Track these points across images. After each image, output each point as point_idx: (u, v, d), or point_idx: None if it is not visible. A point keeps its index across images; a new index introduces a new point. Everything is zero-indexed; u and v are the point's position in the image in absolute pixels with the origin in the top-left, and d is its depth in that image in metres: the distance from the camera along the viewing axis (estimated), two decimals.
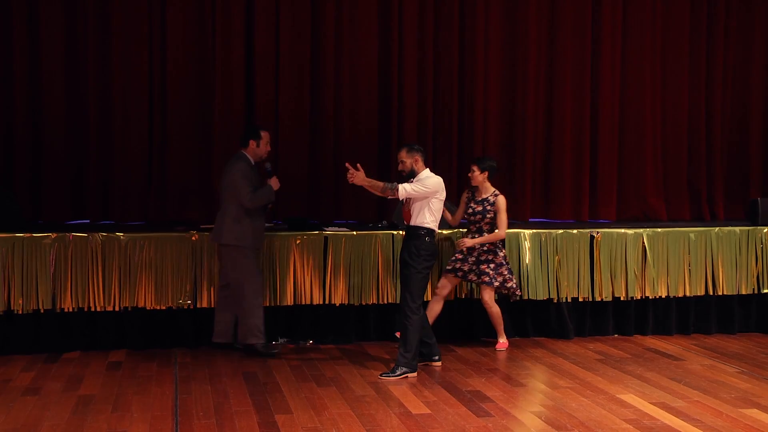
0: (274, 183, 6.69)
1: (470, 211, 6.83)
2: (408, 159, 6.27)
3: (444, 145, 8.41)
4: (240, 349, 6.69)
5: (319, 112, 8.12)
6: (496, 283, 6.81)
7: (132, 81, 7.77)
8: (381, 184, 6.19)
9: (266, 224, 6.90)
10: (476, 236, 6.83)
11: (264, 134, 6.74)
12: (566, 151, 8.68)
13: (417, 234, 6.15)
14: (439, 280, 6.95)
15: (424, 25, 8.29)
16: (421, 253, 6.11)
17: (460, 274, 6.88)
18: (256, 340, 6.60)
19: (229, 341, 6.77)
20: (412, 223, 6.19)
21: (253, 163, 6.71)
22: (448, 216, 6.89)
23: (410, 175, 6.28)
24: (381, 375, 6.08)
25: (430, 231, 6.17)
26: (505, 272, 6.85)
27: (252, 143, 6.68)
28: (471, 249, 6.84)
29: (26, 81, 7.56)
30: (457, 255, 6.90)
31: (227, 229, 6.56)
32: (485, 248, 6.84)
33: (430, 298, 6.93)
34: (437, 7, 8.34)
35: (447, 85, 8.39)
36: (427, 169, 6.33)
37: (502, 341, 7.04)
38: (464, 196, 6.98)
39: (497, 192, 6.86)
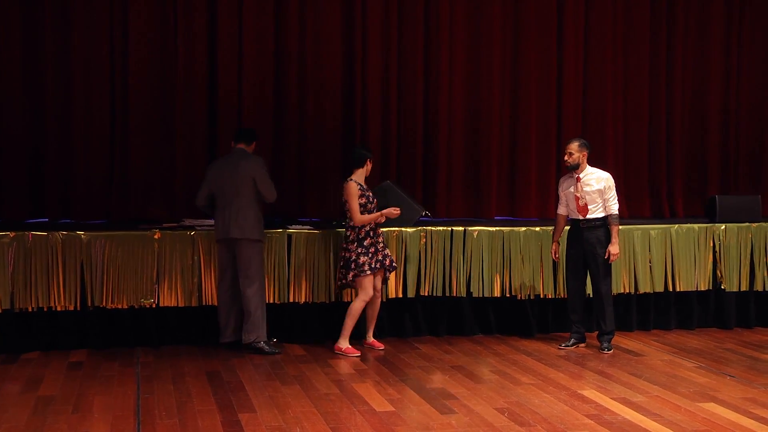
0: None
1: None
2: (577, 153, 6.81)
3: (409, 144, 8.43)
4: (250, 348, 6.61)
5: (282, 110, 8.09)
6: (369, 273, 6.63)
7: (93, 77, 7.67)
8: (615, 229, 6.81)
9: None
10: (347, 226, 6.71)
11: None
12: (531, 149, 8.76)
13: (598, 225, 6.83)
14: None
15: (389, 24, 8.30)
16: (604, 240, 6.82)
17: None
18: (264, 338, 6.65)
19: (237, 339, 6.71)
20: (592, 215, 6.81)
21: None
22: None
23: (573, 168, 6.82)
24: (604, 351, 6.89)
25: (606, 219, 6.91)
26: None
27: (255, 145, 6.81)
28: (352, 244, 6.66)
29: None
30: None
31: (252, 223, 6.55)
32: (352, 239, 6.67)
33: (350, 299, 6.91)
34: (401, 7, 8.35)
35: (411, 84, 8.41)
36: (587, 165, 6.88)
37: (375, 340, 6.92)
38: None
39: (348, 179, 6.72)
